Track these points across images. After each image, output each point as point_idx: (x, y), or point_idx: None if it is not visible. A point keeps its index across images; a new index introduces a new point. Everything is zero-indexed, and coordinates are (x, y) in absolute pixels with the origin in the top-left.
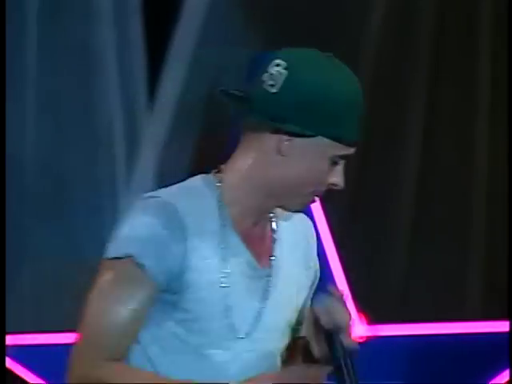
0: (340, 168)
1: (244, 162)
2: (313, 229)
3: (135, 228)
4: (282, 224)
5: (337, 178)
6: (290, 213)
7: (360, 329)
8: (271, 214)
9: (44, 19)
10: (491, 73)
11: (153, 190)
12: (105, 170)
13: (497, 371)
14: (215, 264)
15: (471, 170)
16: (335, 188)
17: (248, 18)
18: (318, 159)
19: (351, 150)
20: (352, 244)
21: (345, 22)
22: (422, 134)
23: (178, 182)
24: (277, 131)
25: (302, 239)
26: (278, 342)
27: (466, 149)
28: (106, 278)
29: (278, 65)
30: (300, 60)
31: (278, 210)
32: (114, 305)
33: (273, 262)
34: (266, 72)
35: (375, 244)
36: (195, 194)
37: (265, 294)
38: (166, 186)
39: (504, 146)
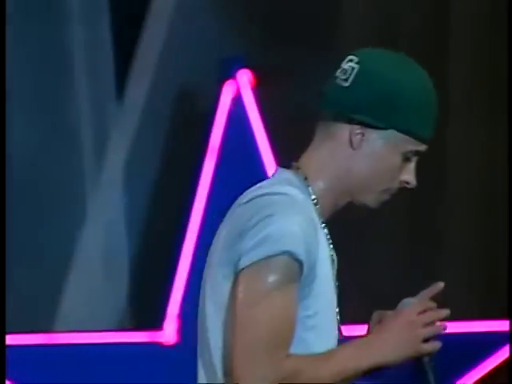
0: (412, 165)
1: (319, 158)
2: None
3: (283, 226)
4: None
5: (409, 175)
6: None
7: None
8: None
9: (15, 19)
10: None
11: (123, 187)
12: (73, 168)
13: (463, 372)
14: (327, 256)
15: (470, 170)
16: (407, 186)
17: (216, 19)
18: (389, 153)
19: (423, 147)
20: None
21: (316, 22)
22: None
23: (146, 180)
24: (349, 122)
25: None
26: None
27: (456, 150)
28: (268, 276)
29: (350, 60)
30: (372, 55)
31: None
32: (285, 300)
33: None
34: (340, 68)
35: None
36: (299, 190)
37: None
38: (134, 184)
39: (498, 147)
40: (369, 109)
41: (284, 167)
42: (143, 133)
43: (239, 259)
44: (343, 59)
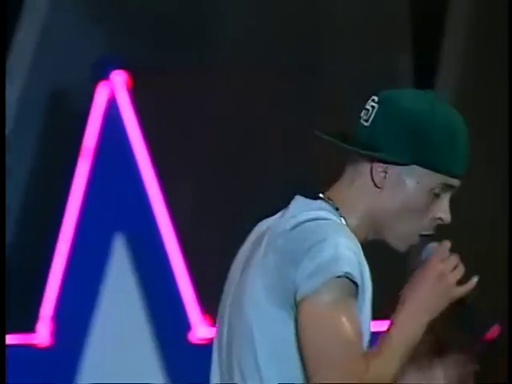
0: (445, 201)
1: (350, 194)
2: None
3: (337, 249)
4: None
5: (442, 211)
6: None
7: (205, 331)
8: None
9: None
10: None
11: None
12: None
13: None
14: (370, 282)
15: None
16: (441, 223)
17: (90, 19)
18: (415, 189)
19: (453, 181)
20: (198, 245)
21: (189, 22)
22: None
23: (20, 180)
24: (371, 161)
25: None
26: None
27: None
28: (331, 297)
29: (372, 100)
30: (393, 93)
31: None
32: (349, 314)
33: None
34: (364, 109)
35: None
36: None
37: None
38: (7, 184)
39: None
40: (388, 146)
41: (308, 197)
42: (16, 133)
43: (297, 287)
44: (217, 59)
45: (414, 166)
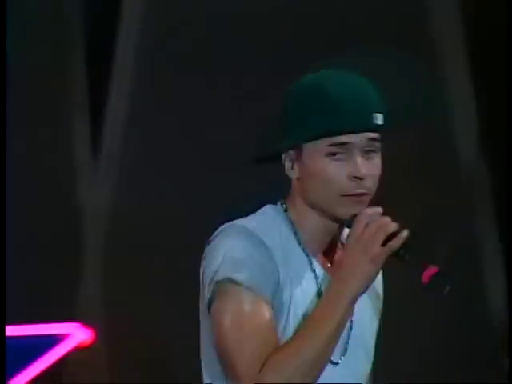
0: (356, 159)
1: (292, 189)
2: None
3: (229, 253)
4: None
5: (352, 168)
6: None
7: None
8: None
9: None
10: None
11: None
12: None
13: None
14: (296, 293)
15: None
16: (358, 180)
17: None
18: (315, 162)
19: (342, 138)
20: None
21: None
22: None
23: None
24: (279, 158)
25: None
26: (368, 364)
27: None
28: (222, 299)
29: None
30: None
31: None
32: (242, 315)
33: None
34: None
35: None
36: (270, 220)
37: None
38: None
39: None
40: (281, 137)
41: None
42: None
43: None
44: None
45: (302, 144)
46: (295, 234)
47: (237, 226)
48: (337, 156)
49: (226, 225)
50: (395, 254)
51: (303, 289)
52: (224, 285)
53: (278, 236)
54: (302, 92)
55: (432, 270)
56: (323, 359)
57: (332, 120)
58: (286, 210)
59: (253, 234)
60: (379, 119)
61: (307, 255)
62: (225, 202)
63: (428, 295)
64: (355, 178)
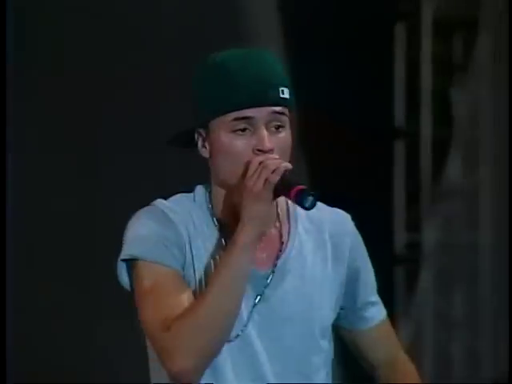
0: (259, 132)
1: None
2: (351, 225)
3: (134, 232)
4: (303, 225)
5: (256, 141)
6: (323, 211)
7: None
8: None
9: None
10: None
11: None
12: None
13: None
14: (206, 263)
15: None
16: (262, 152)
17: None
18: (222, 138)
19: (245, 113)
20: None
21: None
22: None
23: None
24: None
25: (330, 237)
26: (301, 339)
27: None
28: (133, 276)
29: None
30: None
31: (301, 211)
32: (151, 284)
33: (278, 264)
34: None
35: None
36: (188, 198)
37: (260, 296)
38: None
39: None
40: (192, 116)
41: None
42: None
43: None
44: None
45: (208, 123)
46: (211, 212)
47: (148, 206)
48: (242, 131)
49: (155, 202)
50: (276, 187)
51: (211, 267)
52: (133, 264)
53: (191, 212)
54: (206, 69)
55: (298, 187)
56: (223, 309)
57: (234, 95)
58: (209, 190)
59: (159, 211)
60: (285, 93)
61: (220, 230)
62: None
63: None
64: (259, 150)
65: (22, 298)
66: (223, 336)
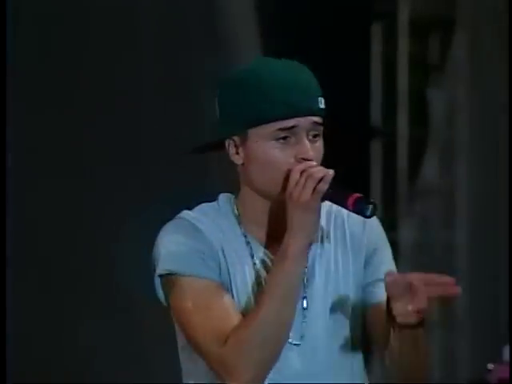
0: (302, 142)
1: (239, 175)
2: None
3: (165, 248)
4: (323, 219)
5: (302, 153)
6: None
7: None
8: None
9: None
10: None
11: None
12: None
13: None
14: (240, 270)
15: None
16: (309, 159)
17: None
18: (262, 148)
19: (287, 123)
20: None
21: None
22: None
23: None
24: (222, 147)
25: (349, 227)
26: (332, 332)
27: None
28: (169, 291)
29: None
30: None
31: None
32: (193, 299)
33: (308, 262)
34: None
35: None
36: (214, 208)
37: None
38: None
39: None
40: (222, 125)
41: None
42: None
43: None
44: None
45: (247, 130)
46: (238, 220)
47: (176, 218)
48: (284, 140)
49: (180, 214)
50: (325, 197)
51: (243, 273)
52: (169, 278)
53: (217, 221)
54: (243, 79)
55: (354, 196)
56: (282, 319)
57: (279, 104)
58: (235, 197)
59: (188, 224)
60: (322, 103)
61: (248, 242)
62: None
63: None
64: (303, 159)
65: (22, 298)
66: (282, 345)
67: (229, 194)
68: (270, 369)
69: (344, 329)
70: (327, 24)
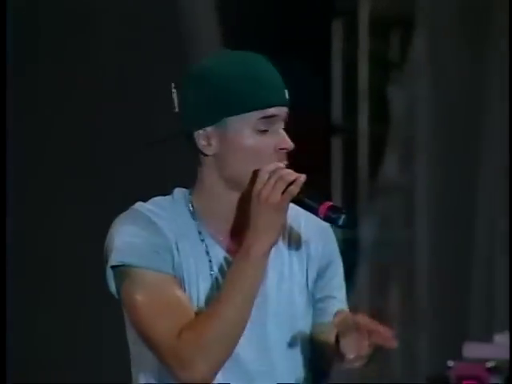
0: (280, 132)
1: (202, 167)
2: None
3: (120, 239)
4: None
5: (281, 143)
6: (294, 206)
7: None
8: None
9: None
10: None
11: None
12: None
13: None
14: (193, 265)
15: None
16: (287, 151)
17: None
18: (241, 137)
19: (270, 111)
20: None
21: None
22: None
23: None
24: (190, 138)
25: (305, 233)
26: (285, 337)
27: None
28: (122, 282)
29: (172, 88)
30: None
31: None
32: (146, 293)
33: None
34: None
35: None
36: (169, 202)
37: None
38: None
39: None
40: (194, 116)
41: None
42: None
43: None
44: None
45: (225, 119)
46: (192, 216)
47: (130, 210)
48: (265, 130)
49: (126, 211)
50: (295, 199)
51: (197, 269)
52: (122, 270)
53: (173, 214)
54: (221, 69)
55: (327, 204)
56: (242, 318)
57: (263, 92)
58: (190, 194)
59: (143, 215)
60: (287, 94)
61: (202, 239)
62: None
63: None
64: (282, 149)
65: (22, 298)
66: (237, 342)
67: (184, 189)
68: (222, 366)
69: (294, 332)
70: (288, 22)
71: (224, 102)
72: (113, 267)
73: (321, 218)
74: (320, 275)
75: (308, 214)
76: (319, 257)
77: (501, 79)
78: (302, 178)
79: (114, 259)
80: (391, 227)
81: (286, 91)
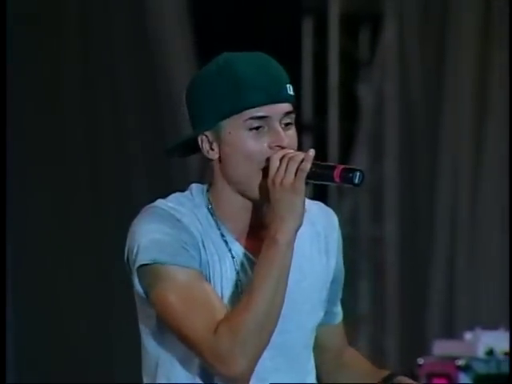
0: (275, 129)
1: (213, 171)
2: (336, 220)
3: (146, 237)
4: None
5: (277, 140)
6: (309, 203)
7: None
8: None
9: None
10: None
11: None
12: None
13: None
14: (218, 261)
15: None
16: (283, 146)
17: None
18: (236, 138)
19: (260, 111)
20: None
21: None
22: None
23: None
24: (196, 142)
25: (323, 229)
26: (293, 332)
27: None
28: (153, 281)
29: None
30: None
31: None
32: (179, 289)
33: None
34: None
35: None
36: (189, 199)
37: None
38: None
39: None
40: (195, 122)
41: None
42: None
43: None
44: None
45: (220, 123)
46: (212, 214)
47: (152, 208)
48: (257, 130)
49: (145, 208)
50: (309, 175)
51: (222, 265)
52: (151, 268)
53: (194, 212)
54: (211, 74)
55: (340, 167)
56: (275, 307)
57: (249, 93)
58: (207, 190)
59: (168, 214)
60: (291, 90)
61: (222, 235)
62: None
63: None
64: (277, 146)
65: (22, 298)
66: (273, 332)
67: (201, 185)
68: (260, 357)
69: (305, 331)
70: (258, 20)
71: (215, 107)
72: (140, 266)
73: (337, 183)
74: (336, 276)
75: (322, 211)
76: (336, 256)
77: (462, 78)
78: (311, 152)
79: (143, 258)
80: (360, 223)
81: (288, 86)
